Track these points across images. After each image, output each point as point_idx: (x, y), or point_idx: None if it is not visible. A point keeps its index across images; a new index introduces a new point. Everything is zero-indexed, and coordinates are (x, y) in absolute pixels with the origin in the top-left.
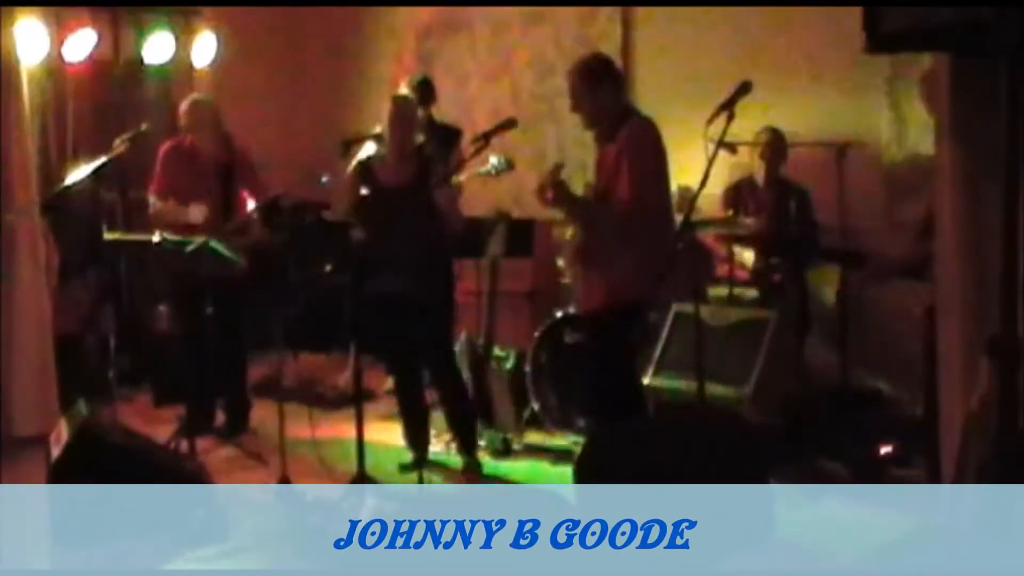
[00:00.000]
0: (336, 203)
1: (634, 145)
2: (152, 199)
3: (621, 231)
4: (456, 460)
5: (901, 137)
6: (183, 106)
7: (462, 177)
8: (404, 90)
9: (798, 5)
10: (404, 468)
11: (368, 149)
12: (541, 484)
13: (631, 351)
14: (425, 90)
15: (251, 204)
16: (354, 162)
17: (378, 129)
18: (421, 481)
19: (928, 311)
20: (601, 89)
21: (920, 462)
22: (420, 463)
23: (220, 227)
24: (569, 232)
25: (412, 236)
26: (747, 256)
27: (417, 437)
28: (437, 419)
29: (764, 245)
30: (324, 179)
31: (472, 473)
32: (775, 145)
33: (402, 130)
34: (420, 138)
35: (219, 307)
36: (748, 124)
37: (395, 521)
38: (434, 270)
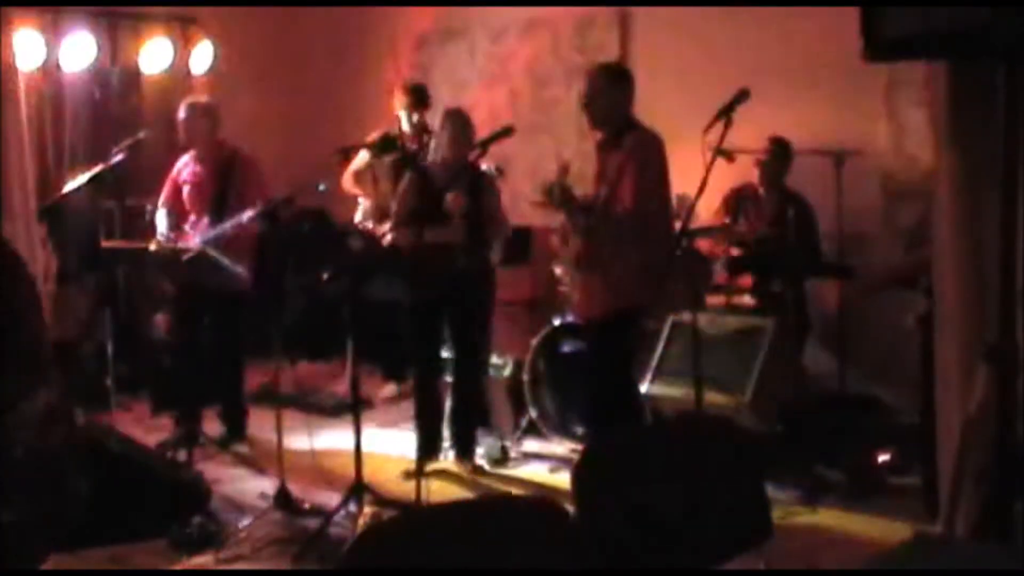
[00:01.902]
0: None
1: (639, 154)
2: (159, 210)
3: (621, 237)
4: (453, 467)
5: (899, 144)
6: (180, 110)
7: None
8: (399, 96)
9: (797, 6)
10: (408, 475)
11: (363, 157)
12: (539, 491)
13: (630, 358)
14: (420, 95)
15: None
16: (410, 173)
17: (374, 136)
18: (419, 489)
19: (920, 319)
20: (617, 90)
21: (918, 469)
22: (420, 470)
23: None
24: (569, 239)
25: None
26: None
27: (434, 441)
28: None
29: (763, 259)
30: (322, 187)
31: (476, 472)
32: (779, 154)
33: (469, 143)
34: None
35: (217, 314)
36: (745, 132)
37: (394, 524)
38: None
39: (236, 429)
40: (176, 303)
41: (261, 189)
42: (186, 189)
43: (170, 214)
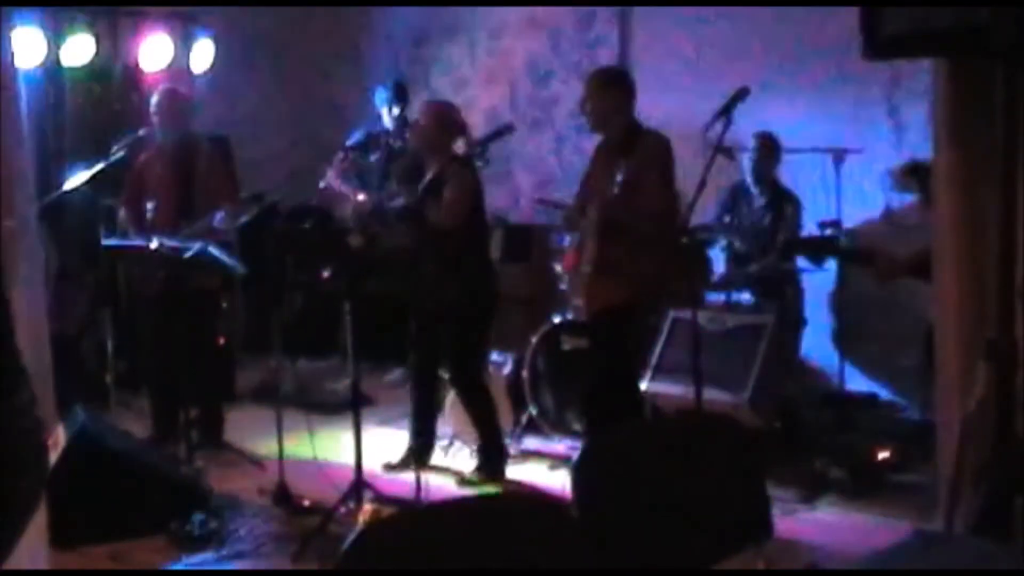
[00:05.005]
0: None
1: (658, 160)
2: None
3: (640, 238)
4: (455, 465)
5: (900, 142)
6: (154, 96)
7: None
8: (380, 92)
9: (797, 6)
10: (389, 467)
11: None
12: (538, 489)
13: (632, 354)
14: (399, 91)
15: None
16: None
17: (357, 135)
18: (418, 486)
19: None
20: (610, 93)
21: (918, 466)
22: (407, 461)
23: (181, 226)
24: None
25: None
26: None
27: (428, 439)
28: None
29: (756, 248)
30: (322, 184)
31: (466, 483)
32: (768, 150)
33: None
34: None
35: (195, 314)
36: (745, 130)
37: (392, 522)
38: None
39: (211, 434)
40: (156, 303)
41: (223, 186)
42: (150, 184)
43: (132, 213)
